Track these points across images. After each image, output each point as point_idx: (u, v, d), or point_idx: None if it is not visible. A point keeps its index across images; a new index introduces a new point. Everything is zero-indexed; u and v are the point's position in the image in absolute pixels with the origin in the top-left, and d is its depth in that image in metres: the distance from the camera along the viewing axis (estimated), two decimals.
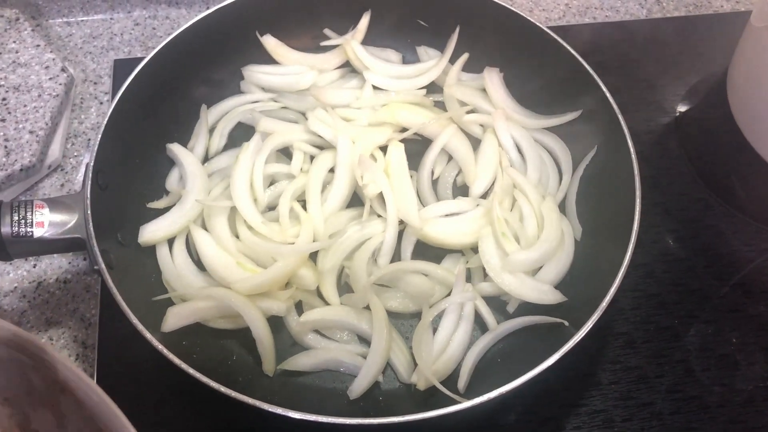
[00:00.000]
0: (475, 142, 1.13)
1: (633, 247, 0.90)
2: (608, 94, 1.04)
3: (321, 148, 1.11)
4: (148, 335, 0.82)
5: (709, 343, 1.03)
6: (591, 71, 1.06)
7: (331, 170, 1.07)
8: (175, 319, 0.91)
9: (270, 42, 1.21)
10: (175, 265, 0.99)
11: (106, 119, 0.98)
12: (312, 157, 1.10)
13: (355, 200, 1.07)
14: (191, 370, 0.79)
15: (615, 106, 1.02)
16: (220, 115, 1.16)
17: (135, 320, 0.82)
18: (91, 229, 0.88)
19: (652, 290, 1.08)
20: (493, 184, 1.09)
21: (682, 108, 1.31)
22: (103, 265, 0.86)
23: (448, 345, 0.94)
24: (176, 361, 0.80)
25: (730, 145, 1.20)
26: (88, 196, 0.90)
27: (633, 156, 0.98)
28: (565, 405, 0.97)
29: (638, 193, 0.95)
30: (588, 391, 0.98)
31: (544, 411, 0.96)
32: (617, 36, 1.40)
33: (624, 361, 1.01)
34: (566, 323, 0.91)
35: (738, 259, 1.12)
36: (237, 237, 1.01)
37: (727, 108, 1.22)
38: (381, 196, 1.03)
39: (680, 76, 1.35)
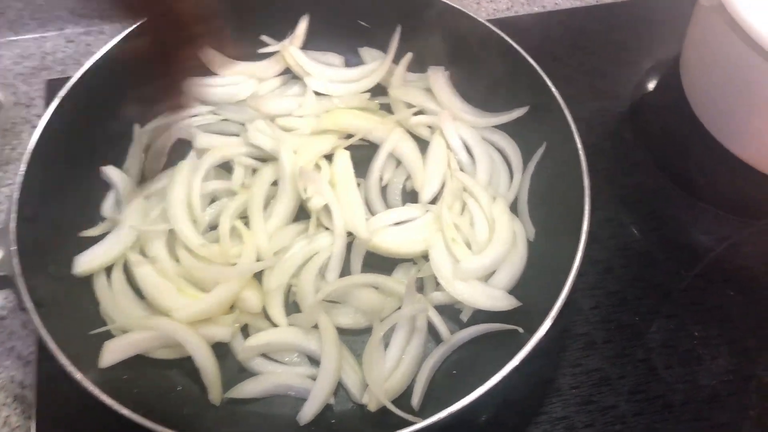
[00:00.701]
0: (424, 145, 1.09)
1: (584, 245, 0.87)
2: (553, 87, 1.00)
3: (263, 160, 1.06)
4: (78, 376, 0.77)
5: (672, 339, 1.00)
6: (535, 65, 1.02)
7: (275, 183, 1.03)
8: (112, 353, 0.87)
9: (206, 53, 1.16)
10: (113, 295, 0.94)
11: (32, 145, 0.93)
12: (254, 171, 1.05)
13: (302, 214, 1.03)
14: (125, 411, 0.75)
15: (560, 99, 0.99)
16: (156, 133, 1.10)
17: (64, 359, 0.78)
18: (17, 265, 0.84)
19: (611, 287, 1.04)
20: (442, 188, 1.05)
21: (636, 95, 1.27)
22: (30, 304, 0.81)
23: (400, 361, 0.90)
24: (108, 402, 0.76)
25: (686, 130, 1.18)
26: (13, 230, 0.86)
27: (580, 150, 0.94)
28: (526, 414, 0.94)
29: (587, 187, 0.91)
30: (548, 398, 0.95)
31: (506, 421, 0.93)
32: (567, 24, 1.37)
33: (585, 364, 0.97)
34: (521, 330, 0.87)
35: (698, 248, 1.09)
36: (177, 261, 0.96)
37: (682, 92, 1.21)
38: (328, 208, 0.99)
39: (633, 62, 1.32)
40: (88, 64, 1.01)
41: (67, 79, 1.02)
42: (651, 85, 1.28)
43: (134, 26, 1.03)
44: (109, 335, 0.89)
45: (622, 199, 1.13)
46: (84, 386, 0.77)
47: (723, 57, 1.05)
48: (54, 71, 1.26)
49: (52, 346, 0.79)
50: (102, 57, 1.03)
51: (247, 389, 0.89)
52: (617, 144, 1.21)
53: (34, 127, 1.13)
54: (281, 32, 1.18)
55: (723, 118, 1.13)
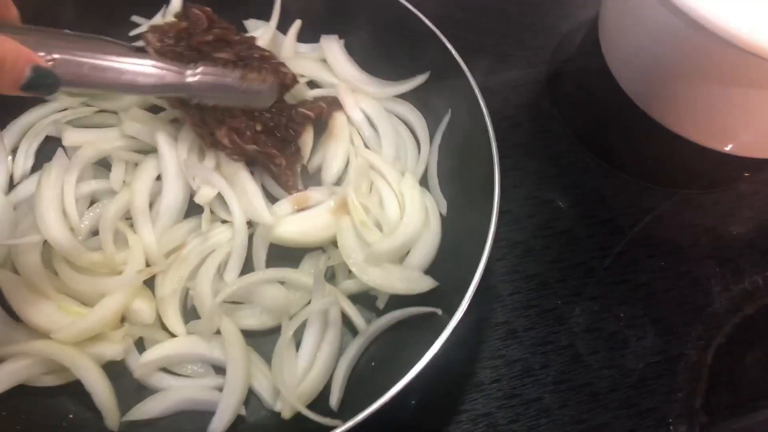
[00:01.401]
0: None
1: (497, 213, 0.81)
2: (453, 51, 0.94)
3: (145, 152, 0.96)
4: None
5: (596, 322, 0.95)
6: (432, 26, 0.95)
7: (159, 178, 0.93)
8: None
9: None
10: None
11: None
12: (135, 166, 0.95)
13: (194, 208, 0.93)
14: None
15: (462, 63, 0.92)
16: (22, 133, 0.99)
17: None
18: None
19: (531, 270, 0.98)
20: (347, 167, 0.97)
21: (553, 62, 1.19)
22: None
23: (315, 359, 0.83)
24: None
25: (606, 98, 1.11)
26: None
27: (486, 115, 0.88)
28: (445, 413, 0.88)
29: (495, 152, 0.85)
30: (469, 394, 0.89)
31: (423, 423, 0.88)
32: None
33: (506, 355, 0.92)
34: (439, 311, 0.82)
35: (622, 223, 1.03)
36: (56, 274, 0.86)
37: (602, 58, 1.12)
38: (222, 200, 0.91)
39: (550, 26, 1.23)
40: None
41: None
42: (570, 51, 1.21)
43: None
44: None
45: (541, 175, 1.07)
46: None
47: (641, 19, 0.98)
48: None
49: None
50: None
51: (147, 409, 0.80)
52: (534, 116, 1.13)
53: None
54: (153, 10, 1.07)
55: (644, 84, 1.05)
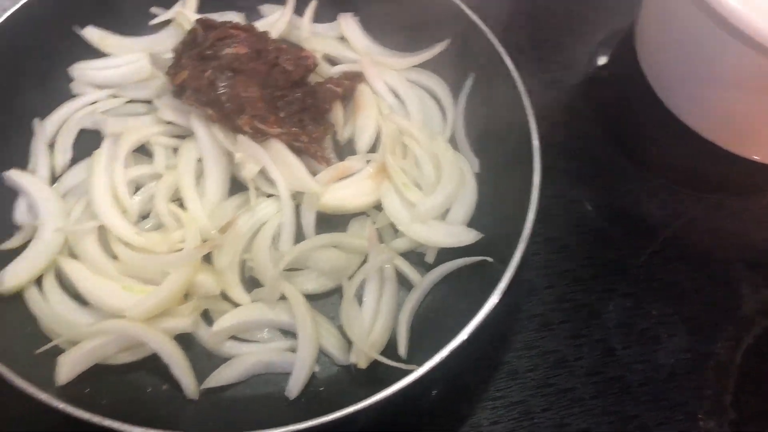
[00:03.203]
0: None
1: (540, 167, 0.86)
2: (475, 16, 0.99)
3: (181, 137, 0.99)
4: (43, 396, 0.69)
5: (629, 318, 0.98)
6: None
7: (200, 160, 0.96)
8: (69, 367, 0.79)
9: (93, 34, 1.06)
10: (51, 308, 0.85)
11: None
12: (176, 150, 0.97)
13: (238, 185, 0.97)
14: (107, 422, 0.68)
15: (483, 26, 0.98)
16: (58, 126, 1.00)
17: (21, 382, 0.70)
18: None
19: (566, 266, 1.01)
20: (377, 136, 1.02)
21: (590, 67, 1.22)
22: None
23: (378, 313, 0.87)
24: (86, 417, 0.69)
25: (641, 103, 1.13)
26: None
27: (514, 72, 0.93)
28: (481, 399, 0.91)
29: (530, 112, 0.91)
30: (504, 382, 0.92)
31: (459, 408, 0.90)
32: None
33: (540, 346, 0.95)
34: (490, 259, 0.87)
35: (655, 224, 1.06)
36: (115, 258, 0.88)
37: (637, 64, 1.15)
38: (264, 175, 0.94)
39: (587, 33, 1.26)
40: None
41: None
42: (605, 56, 1.23)
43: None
44: (56, 351, 0.81)
45: (576, 174, 1.10)
46: (53, 406, 0.69)
47: (679, 26, 1.00)
48: None
49: (2, 369, 0.70)
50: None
51: (224, 375, 0.83)
52: (570, 117, 1.16)
53: None
54: (174, 1, 1.10)
55: (679, 91, 1.08)
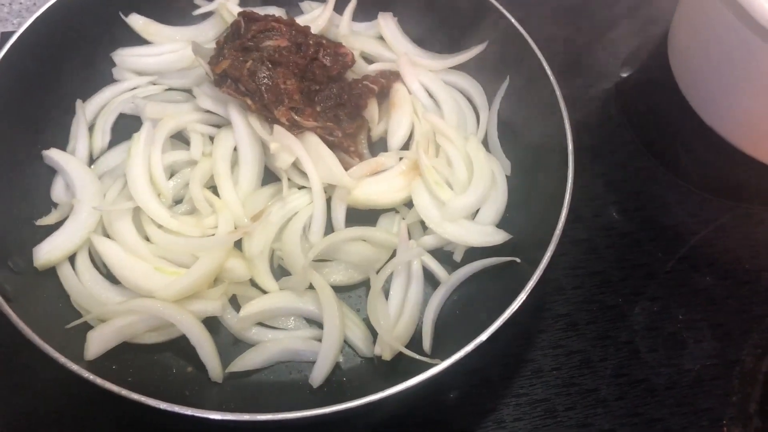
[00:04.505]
0: None
1: (573, 172, 0.87)
2: (513, 19, 1.00)
3: (218, 126, 1.00)
4: (74, 367, 0.71)
5: (656, 322, 0.98)
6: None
7: (235, 149, 0.97)
8: (97, 343, 0.80)
9: (137, 21, 1.08)
10: (83, 284, 0.87)
11: None
12: (212, 138, 0.99)
13: (270, 175, 0.98)
14: (146, 399, 0.70)
15: (521, 29, 0.99)
16: (98, 109, 1.03)
17: (56, 354, 0.71)
18: None
19: (594, 267, 1.02)
20: (411, 134, 1.02)
21: (622, 73, 1.23)
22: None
23: (403, 307, 0.88)
24: (115, 389, 0.70)
25: (673, 110, 1.14)
26: None
27: (552, 77, 0.94)
28: (505, 395, 0.91)
29: (566, 118, 0.91)
30: (528, 379, 0.92)
31: (483, 402, 0.90)
32: None
33: (566, 345, 0.95)
34: (518, 260, 0.87)
35: (684, 230, 1.06)
36: (147, 239, 0.89)
37: (669, 72, 1.15)
38: (296, 168, 0.95)
39: (620, 40, 1.26)
40: (35, 16, 0.94)
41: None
42: (638, 63, 1.24)
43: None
44: (85, 328, 0.82)
45: (606, 178, 1.10)
46: (85, 377, 0.70)
47: (713, 34, 1.00)
48: (9, 24, 1.15)
49: (37, 341, 0.72)
50: (49, 9, 0.96)
51: (250, 360, 0.84)
52: (602, 122, 1.17)
53: None
54: None
55: (711, 99, 1.08)
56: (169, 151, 0.97)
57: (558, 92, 0.93)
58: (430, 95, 1.06)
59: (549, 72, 0.95)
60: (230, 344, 0.87)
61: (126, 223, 0.89)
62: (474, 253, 0.93)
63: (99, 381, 0.70)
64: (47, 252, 0.86)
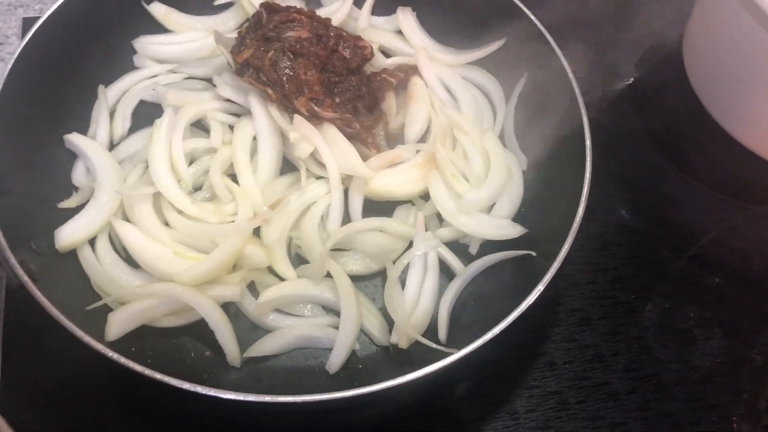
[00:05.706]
0: None
1: (590, 168, 0.88)
2: (531, 15, 1.01)
3: (237, 115, 1.01)
4: (100, 347, 0.72)
5: (667, 318, 0.99)
6: None
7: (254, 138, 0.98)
8: (118, 325, 0.81)
9: (159, 9, 1.09)
10: (103, 267, 0.87)
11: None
12: (232, 127, 1.00)
13: (288, 165, 0.99)
14: (169, 380, 0.71)
15: (541, 26, 1.00)
16: (119, 95, 1.04)
17: (81, 333, 0.72)
18: (2, 239, 0.76)
19: (607, 264, 1.03)
20: (428, 127, 1.03)
21: (636, 73, 1.24)
22: (26, 277, 0.74)
23: (419, 297, 0.89)
24: (138, 369, 0.71)
25: (686, 111, 1.15)
26: None
27: (569, 72, 0.95)
28: (518, 387, 0.92)
29: (584, 114, 0.92)
30: (541, 372, 0.93)
31: (496, 393, 0.91)
32: None
33: (579, 339, 0.96)
34: (534, 254, 0.88)
35: (695, 229, 1.08)
36: (166, 224, 0.90)
37: (683, 73, 1.17)
38: (314, 158, 0.96)
39: (635, 40, 1.28)
40: (59, 2, 0.96)
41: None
42: (652, 64, 1.25)
43: None
44: (105, 310, 0.83)
45: (619, 176, 1.12)
46: (109, 357, 0.71)
47: (729, 37, 1.01)
48: (31, 9, 1.16)
49: (63, 320, 0.73)
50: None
51: (267, 346, 0.85)
52: (616, 121, 1.18)
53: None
54: None
55: (725, 101, 1.10)
56: (188, 138, 0.98)
57: (577, 89, 0.94)
58: (448, 90, 1.07)
59: (568, 69, 0.96)
60: (248, 330, 0.88)
61: (146, 208, 0.90)
62: (489, 246, 0.94)
63: (123, 360, 0.71)
64: (68, 235, 0.87)
